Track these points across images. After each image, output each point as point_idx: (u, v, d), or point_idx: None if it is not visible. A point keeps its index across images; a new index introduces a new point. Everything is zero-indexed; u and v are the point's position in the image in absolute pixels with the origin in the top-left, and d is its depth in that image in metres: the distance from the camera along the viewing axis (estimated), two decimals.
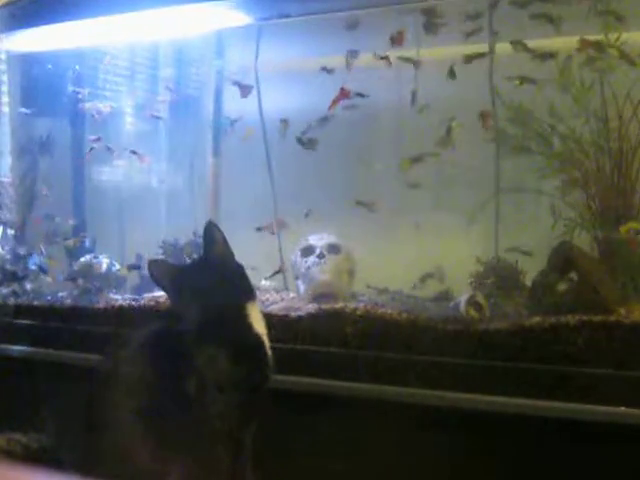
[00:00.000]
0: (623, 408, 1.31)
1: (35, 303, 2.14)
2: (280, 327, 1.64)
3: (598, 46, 1.68)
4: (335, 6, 1.98)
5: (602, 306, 1.50)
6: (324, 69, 1.99)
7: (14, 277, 2.25)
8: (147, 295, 2.08)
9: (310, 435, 1.56)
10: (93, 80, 2.43)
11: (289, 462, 1.54)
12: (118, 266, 2.29)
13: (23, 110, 2.44)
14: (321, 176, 2.17)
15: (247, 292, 1.34)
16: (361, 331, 1.61)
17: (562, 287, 1.60)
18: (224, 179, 2.45)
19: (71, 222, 2.41)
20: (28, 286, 2.26)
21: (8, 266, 2.28)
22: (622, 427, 1.31)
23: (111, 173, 2.57)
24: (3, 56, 2.47)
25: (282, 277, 2.18)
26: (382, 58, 1.91)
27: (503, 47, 1.84)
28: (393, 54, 1.91)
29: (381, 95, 1.99)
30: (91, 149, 2.33)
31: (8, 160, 2.51)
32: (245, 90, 2.16)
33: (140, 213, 2.52)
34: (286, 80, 2.30)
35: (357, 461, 1.53)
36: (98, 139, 2.31)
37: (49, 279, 2.30)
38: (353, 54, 1.95)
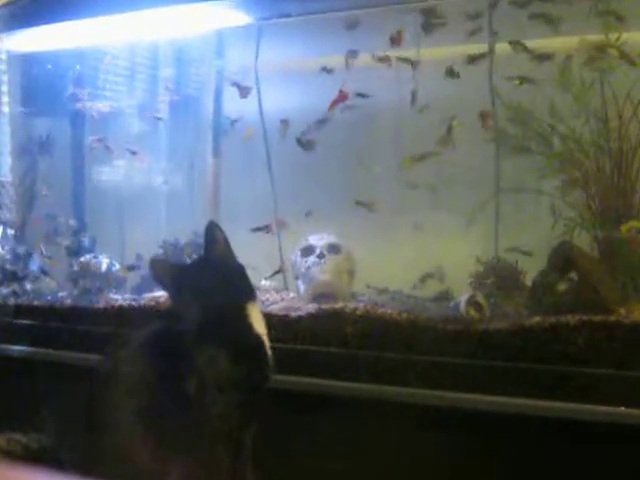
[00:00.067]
0: (623, 408, 1.31)
1: (35, 303, 2.14)
2: (280, 327, 1.64)
3: (598, 46, 1.68)
4: (335, 6, 1.98)
5: (602, 306, 1.50)
6: (324, 69, 1.99)
7: (14, 277, 2.25)
8: (147, 295, 2.08)
9: (310, 435, 1.56)
10: (93, 80, 2.43)
11: (289, 462, 1.54)
12: (118, 266, 2.29)
13: (23, 110, 2.44)
14: (321, 176, 2.17)
15: (248, 292, 1.34)
16: (361, 331, 1.61)
17: (562, 287, 1.60)
18: (224, 179, 2.45)
19: (71, 222, 2.41)
20: (28, 286, 2.26)
21: (8, 266, 2.28)
22: (622, 427, 1.31)
23: (111, 173, 2.57)
24: (3, 56, 2.47)
25: (282, 277, 2.18)
26: (380, 60, 1.91)
27: (503, 47, 1.84)
28: (393, 54, 1.92)
29: (381, 95, 1.99)
30: (91, 149, 2.33)
31: (8, 160, 2.51)
32: (244, 91, 2.16)
33: (140, 213, 2.52)
34: (286, 80, 2.29)
35: (357, 461, 1.53)
36: (100, 139, 2.31)
37: (52, 283, 2.29)
38: (353, 54, 1.95)
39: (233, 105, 2.27)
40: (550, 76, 1.74)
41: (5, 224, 2.41)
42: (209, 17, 2.09)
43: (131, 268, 2.25)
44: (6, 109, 2.49)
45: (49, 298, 2.21)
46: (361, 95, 1.91)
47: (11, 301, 2.15)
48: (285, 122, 2.05)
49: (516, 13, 1.77)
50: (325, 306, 1.73)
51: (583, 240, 1.71)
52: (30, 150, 2.48)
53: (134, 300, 2.03)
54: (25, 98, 2.51)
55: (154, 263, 1.38)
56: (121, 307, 1.94)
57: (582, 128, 1.74)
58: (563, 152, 1.77)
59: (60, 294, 2.24)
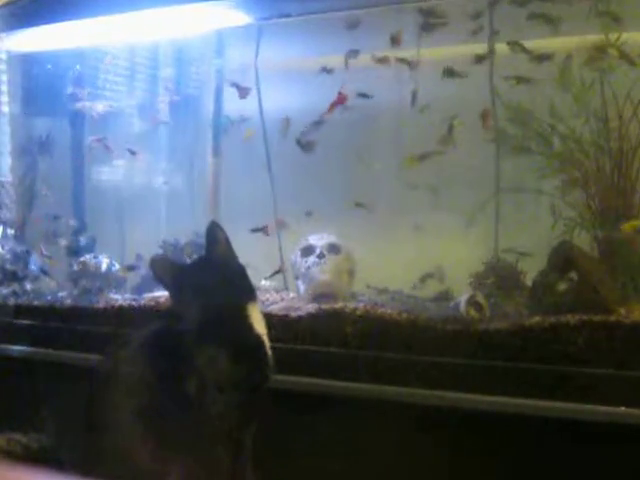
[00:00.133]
0: (623, 408, 1.31)
1: (35, 303, 2.14)
2: (280, 327, 1.64)
3: (598, 46, 1.68)
4: (335, 6, 1.98)
5: (602, 306, 1.50)
6: (324, 69, 1.99)
7: (14, 277, 2.25)
8: (147, 295, 2.08)
9: (310, 435, 1.56)
10: (93, 80, 2.43)
11: (289, 462, 1.54)
12: (118, 266, 2.29)
13: (23, 110, 2.44)
14: (321, 176, 2.17)
15: (248, 293, 1.34)
16: (361, 331, 1.61)
17: (562, 287, 1.60)
18: (224, 179, 2.45)
19: (71, 222, 2.41)
20: (28, 286, 2.26)
21: (8, 266, 2.28)
22: (622, 427, 1.31)
23: (111, 173, 2.57)
24: (3, 56, 2.47)
25: (282, 277, 2.18)
26: (379, 61, 1.91)
27: (505, 47, 1.84)
28: (393, 54, 1.92)
29: (381, 95, 1.99)
30: (91, 149, 2.33)
31: (8, 160, 2.51)
32: (243, 91, 2.16)
33: (140, 213, 2.52)
34: (286, 80, 2.29)
35: (357, 461, 1.53)
36: (101, 139, 2.31)
37: (52, 283, 2.30)
38: (354, 54, 1.95)
39: (233, 105, 2.27)
40: (550, 76, 1.73)
41: (5, 224, 2.41)
42: (209, 17, 2.09)
43: (131, 268, 2.25)
44: (6, 109, 2.49)
45: (49, 298, 2.21)
46: (363, 95, 1.91)
47: (11, 301, 2.15)
48: (287, 120, 2.05)
49: (516, 13, 1.77)
50: (325, 306, 1.73)
51: (583, 240, 1.71)
52: (30, 150, 2.48)
53: (134, 300, 2.02)
54: (25, 98, 2.51)
55: (155, 262, 1.38)
56: (121, 307, 1.94)
57: (582, 128, 1.74)
58: (563, 152, 1.77)
59: (60, 294, 2.24)
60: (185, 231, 2.22)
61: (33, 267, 2.30)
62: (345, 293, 1.89)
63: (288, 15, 1.98)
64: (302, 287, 1.92)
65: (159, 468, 1.23)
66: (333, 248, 1.90)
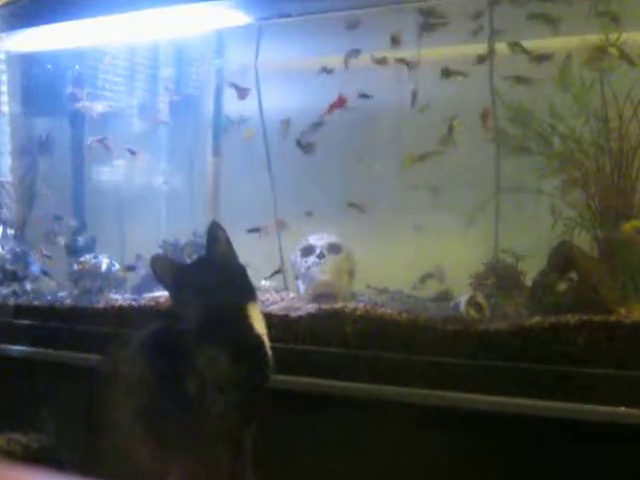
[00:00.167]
0: (623, 408, 1.31)
1: (35, 303, 2.14)
2: (280, 327, 1.64)
3: (598, 46, 1.68)
4: (335, 6, 1.98)
5: (602, 306, 1.50)
6: (324, 69, 1.99)
7: (14, 277, 2.25)
8: (147, 295, 2.08)
9: (310, 435, 1.56)
10: (93, 80, 2.43)
11: (289, 462, 1.54)
12: (118, 266, 2.29)
13: (23, 110, 2.44)
14: (321, 176, 2.17)
15: (248, 293, 1.35)
16: (361, 331, 1.61)
17: (562, 287, 1.60)
18: (224, 179, 2.45)
19: (71, 222, 2.41)
20: (28, 286, 2.26)
21: (8, 266, 2.28)
22: (622, 427, 1.31)
23: (111, 173, 2.57)
24: (3, 56, 2.47)
25: (282, 277, 2.18)
26: (377, 62, 1.91)
27: (505, 46, 1.84)
28: (393, 54, 1.92)
29: (381, 95, 1.99)
30: (91, 149, 2.33)
31: (8, 160, 2.51)
32: (242, 92, 2.16)
33: (140, 213, 2.52)
34: (286, 80, 2.29)
35: (357, 461, 1.53)
36: (100, 139, 2.31)
37: (52, 283, 2.29)
38: (355, 54, 1.95)
39: (233, 105, 2.27)
40: (550, 76, 1.73)
41: (5, 224, 2.41)
42: (209, 17, 2.09)
43: (130, 268, 2.25)
44: (6, 109, 2.49)
45: (49, 298, 2.20)
46: (364, 96, 1.91)
47: (11, 301, 2.15)
48: (286, 122, 2.05)
49: (516, 12, 1.77)
50: (325, 306, 1.73)
51: (583, 240, 1.71)
52: (30, 150, 2.48)
53: (134, 300, 2.02)
54: (25, 98, 2.51)
55: (155, 261, 1.38)
56: (121, 307, 1.94)
57: (582, 128, 1.74)
58: (563, 152, 1.77)
59: (60, 294, 2.24)
60: (185, 231, 2.22)
61: (33, 267, 2.30)
62: (345, 293, 1.89)
63: (288, 15, 1.98)
64: (302, 287, 1.92)
65: (159, 468, 1.23)
66: (333, 248, 1.90)
